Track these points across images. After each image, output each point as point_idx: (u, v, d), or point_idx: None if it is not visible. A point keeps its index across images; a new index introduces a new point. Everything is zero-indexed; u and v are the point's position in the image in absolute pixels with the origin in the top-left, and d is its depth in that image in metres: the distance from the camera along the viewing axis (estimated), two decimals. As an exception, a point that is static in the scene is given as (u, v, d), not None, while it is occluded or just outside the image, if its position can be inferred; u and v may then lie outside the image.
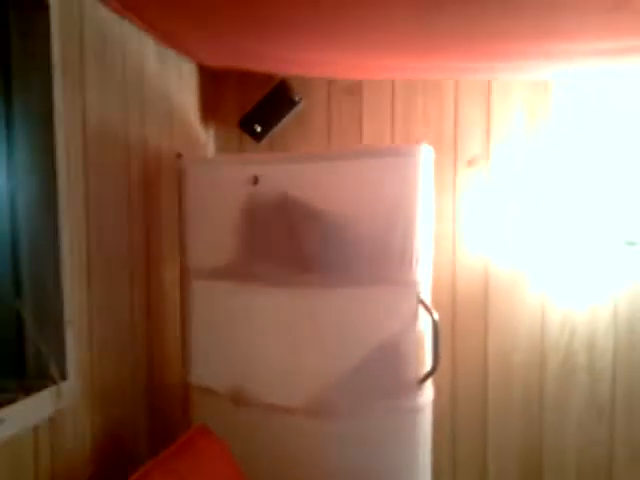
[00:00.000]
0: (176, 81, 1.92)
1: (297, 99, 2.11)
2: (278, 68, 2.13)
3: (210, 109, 2.17)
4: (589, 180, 2.10)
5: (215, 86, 2.17)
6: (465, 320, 2.17)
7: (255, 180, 1.56)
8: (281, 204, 1.56)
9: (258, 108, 2.10)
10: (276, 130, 2.13)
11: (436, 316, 1.57)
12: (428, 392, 1.62)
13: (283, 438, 1.59)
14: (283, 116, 2.12)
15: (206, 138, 2.18)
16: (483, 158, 2.13)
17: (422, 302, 1.56)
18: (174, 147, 1.87)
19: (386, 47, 1.83)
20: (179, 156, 1.73)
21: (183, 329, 1.77)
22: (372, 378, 1.54)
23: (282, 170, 1.57)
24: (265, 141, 2.14)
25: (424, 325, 1.59)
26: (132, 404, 1.61)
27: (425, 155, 1.56)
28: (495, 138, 2.13)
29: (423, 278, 1.59)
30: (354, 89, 2.15)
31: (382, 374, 1.54)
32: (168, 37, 1.77)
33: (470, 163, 2.14)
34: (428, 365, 1.57)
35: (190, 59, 2.01)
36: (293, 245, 1.55)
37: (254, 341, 1.61)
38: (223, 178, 1.64)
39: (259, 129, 2.09)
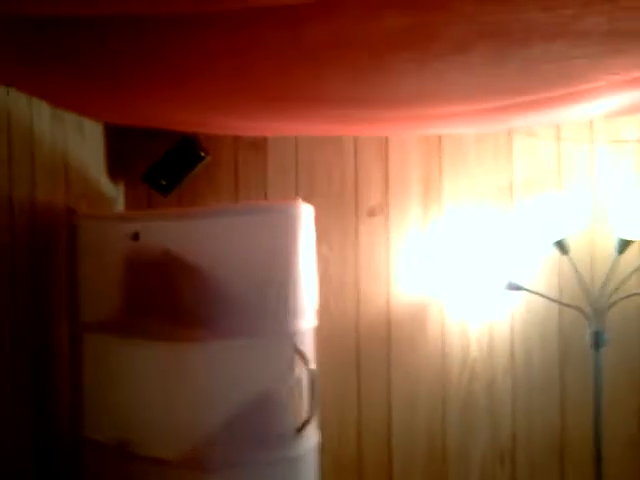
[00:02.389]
0: (77, 139, 1.99)
1: (203, 154, 2.19)
2: (185, 127, 2.21)
3: (118, 165, 2.24)
4: (479, 228, 2.21)
5: (122, 142, 2.25)
6: (369, 365, 2.23)
7: (135, 236, 1.61)
8: (162, 260, 1.61)
9: (163, 162, 2.17)
10: (184, 184, 2.20)
11: (312, 366, 1.62)
12: (309, 440, 1.66)
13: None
14: (189, 170, 2.19)
15: (115, 194, 2.24)
16: (382, 208, 2.23)
17: (299, 352, 1.61)
18: (73, 204, 1.92)
19: (290, 115, 1.93)
20: (71, 212, 1.79)
21: (78, 383, 1.80)
22: (248, 429, 1.57)
23: (163, 227, 1.63)
24: (174, 195, 2.21)
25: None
26: (17, 463, 1.62)
27: (301, 211, 1.64)
28: (393, 190, 2.23)
29: (303, 328, 1.65)
30: (259, 145, 2.24)
31: (258, 425, 1.58)
32: (65, 105, 1.84)
33: (370, 213, 2.23)
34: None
35: (94, 119, 2.09)
36: (172, 300, 1.60)
37: (137, 395, 1.64)
38: (108, 234, 1.69)
39: (164, 183, 2.16)
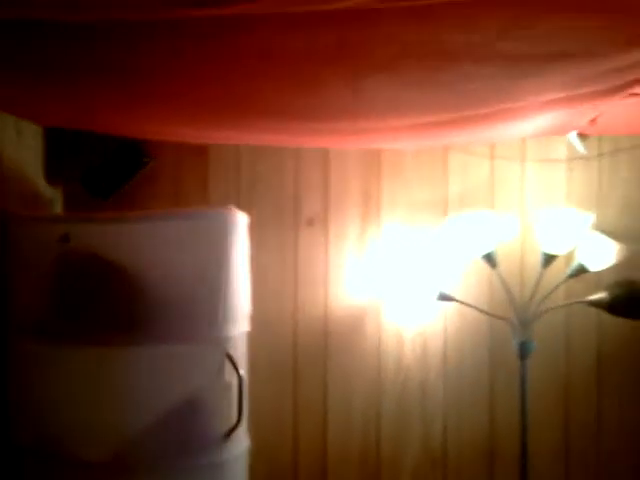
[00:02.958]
0: (13, 140, 1.96)
1: (145, 159, 2.19)
2: (128, 132, 2.21)
3: (57, 167, 2.22)
4: (415, 239, 2.28)
5: (62, 144, 2.23)
6: (306, 370, 2.26)
7: (65, 238, 1.60)
8: (92, 263, 1.61)
9: (104, 166, 2.17)
10: (125, 189, 2.20)
11: (242, 372, 1.64)
12: (237, 446, 1.67)
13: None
14: (131, 175, 2.19)
15: (53, 196, 2.21)
16: (321, 218, 2.27)
17: (229, 358, 1.63)
18: (8, 206, 1.89)
19: (231, 125, 1.95)
20: (1, 213, 1.77)
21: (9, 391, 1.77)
22: (175, 434, 1.58)
23: (95, 230, 1.63)
24: (114, 200, 2.20)
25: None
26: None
27: (235, 218, 1.66)
28: (332, 200, 2.27)
29: (234, 334, 1.67)
30: (201, 152, 2.26)
31: (185, 429, 1.59)
32: (2, 107, 1.82)
33: (309, 223, 2.27)
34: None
35: (32, 121, 2.07)
36: (102, 304, 1.60)
37: (64, 398, 1.63)
38: (39, 235, 1.68)
39: (104, 187, 2.15)
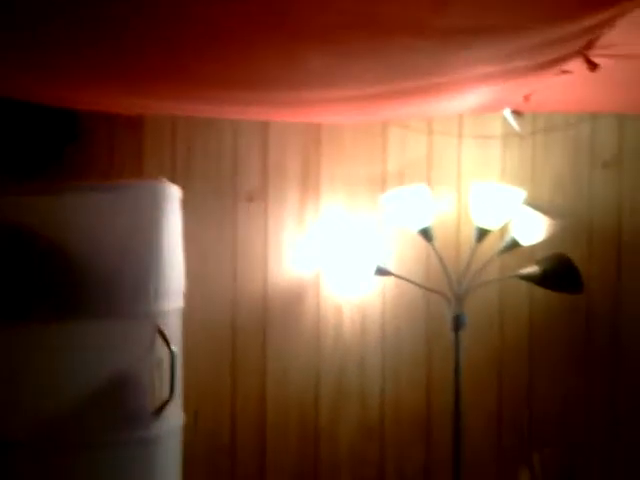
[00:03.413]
0: None
1: (77, 131, 2.11)
2: (59, 102, 2.12)
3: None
4: (354, 214, 2.28)
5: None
6: (245, 346, 2.25)
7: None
8: (16, 237, 1.55)
9: (33, 138, 2.08)
10: (59, 161, 2.11)
11: (174, 348, 1.62)
12: (170, 421, 1.65)
13: (25, 474, 1.56)
14: (63, 147, 2.11)
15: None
16: (260, 193, 2.24)
17: (161, 334, 1.60)
18: None
19: (167, 94, 1.89)
20: None
21: None
22: (104, 410, 1.56)
23: (18, 202, 1.56)
24: (48, 172, 2.11)
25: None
26: None
27: (165, 190, 1.62)
28: (271, 175, 2.25)
29: (166, 309, 1.64)
30: (136, 124, 2.19)
31: (115, 406, 1.57)
32: None
33: (248, 198, 2.24)
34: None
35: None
36: (28, 279, 1.55)
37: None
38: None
39: (33, 160, 2.07)
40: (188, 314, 2.08)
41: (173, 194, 1.65)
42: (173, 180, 2.17)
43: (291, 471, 2.29)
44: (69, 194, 1.57)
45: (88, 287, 1.55)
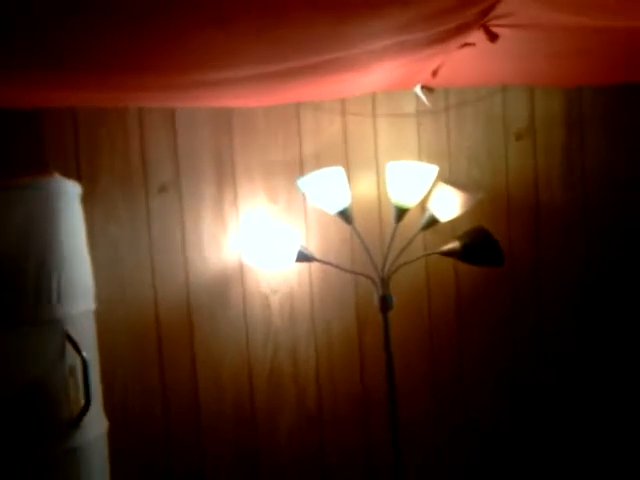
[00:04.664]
0: None
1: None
2: None
3: None
4: (273, 201, 2.24)
5: None
6: (171, 348, 2.17)
7: None
8: None
9: None
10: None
11: (85, 354, 1.53)
12: (91, 430, 1.57)
13: None
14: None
15: None
16: (173, 184, 2.16)
17: (70, 340, 1.52)
18: None
19: (64, 81, 1.77)
20: None
21: None
22: (16, 426, 1.46)
23: None
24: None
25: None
26: None
27: (60, 186, 1.53)
28: (183, 165, 2.17)
29: (73, 313, 1.55)
30: (31, 119, 2.05)
31: (27, 420, 1.47)
32: None
33: (161, 189, 2.15)
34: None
35: None
36: None
37: None
38: None
39: None
40: (108, 316, 2.01)
41: (69, 190, 1.55)
42: (78, 176, 2.09)
43: (231, 468, 2.24)
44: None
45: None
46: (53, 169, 2.02)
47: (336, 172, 2.08)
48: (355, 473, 2.38)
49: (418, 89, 2.17)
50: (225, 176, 2.20)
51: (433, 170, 2.08)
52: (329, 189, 2.06)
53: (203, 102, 2.11)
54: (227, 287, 2.22)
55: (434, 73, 2.04)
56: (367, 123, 2.31)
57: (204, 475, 2.22)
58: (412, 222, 2.19)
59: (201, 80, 1.80)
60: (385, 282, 2.14)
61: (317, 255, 2.19)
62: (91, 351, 1.64)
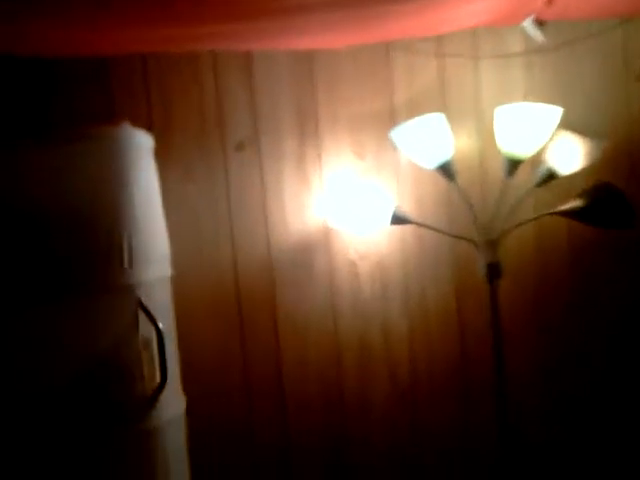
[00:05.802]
0: None
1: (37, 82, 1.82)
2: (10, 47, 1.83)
3: None
4: (360, 156, 1.99)
5: None
6: (253, 316, 1.98)
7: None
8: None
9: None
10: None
11: (161, 325, 1.36)
12: (166, 410, 1.41)
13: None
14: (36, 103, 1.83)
15: None
16: (252, 140, 1.95)
17: (143, 308, 1.35)
18: None
19: (132, 22, 1.60)
20: None
21: None
22: (88, 403, 1.31)
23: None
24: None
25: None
26: None
27: (130, 137, 1.35)
28: (262, 118, 1.95)
29: (148, 279, 1.38)
30: (100, 69, 1.89)
31: (99, 398, 1.31)
32: None
33: (238, 147, 1.95)
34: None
35: None
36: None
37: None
38: None
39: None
40: (184, 283, 1.84)
41: (142, 141, 1.37)
42: (151, 131, 1.91)
43: (318, 449, 2.05)
44: (10, 149, 1.29)
45: (48, 261, 1.29)
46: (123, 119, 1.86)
47: (436, 119, 1.81)
48: (452, 458, 2.14)
49: (528, 23, 1.86)
50: (307, 130, 1.97)
51: (556, 112, 1.77)
52: (427, 140, 1.80)
53: (282, 42, 1.88)
54: (311, 253, 2.01)
55: (549, 1, 1.74)
56: (467, 65, 2.02)
57: (289, 455, 2.04)
58: (520, 177, 1.90)
59: (281, 7, 1.56)
60: (493, 247, 1.87)
61: (410, 217, 1.94)
62: (167, 321, 1.47)
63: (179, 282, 1.68)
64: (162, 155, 1.79)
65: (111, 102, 1.87)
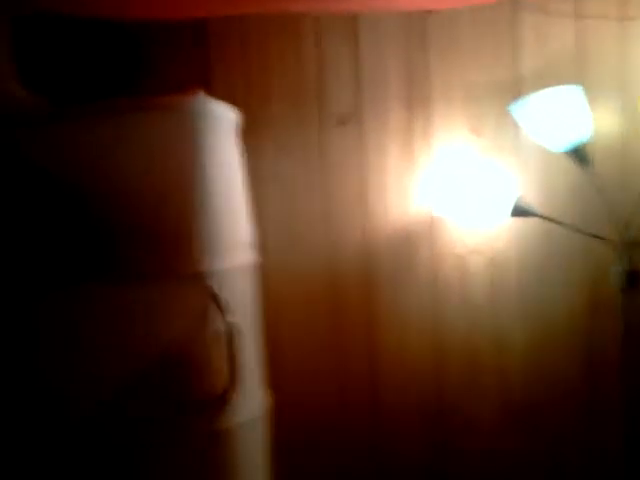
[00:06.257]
0: None
1: (136, 50, 1.73)
2: (113, 12, 1.74)
3: (32, 68, 1.78)
4: (478, 135, 1.73)
5: (37, 38, 1.79)
6: (348, 310, 1.79)
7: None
8: (31, 179, 1.19)
9: (87, 61, 1.73)
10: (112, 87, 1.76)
11: (232, 317, 1.20)
12: (243, 410, 1.26)
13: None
14: (120, 70, 1.75)
15: (35, 103, 1.80)
16: (354, 113, 1.75)
17: (215, 299, 1.20)
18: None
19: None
20: None
21: None
22: (156, 397, 1.18)
23: (31, 134, 1.19)
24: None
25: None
26: None
27: (211, 109, 1.19)
28: (367, 89, 1.75)
29: (224, 268, 1.23)
30: (198, 34, 1.76)
31: (161, 396, 1.18)
32: None
33: (340, 121, 1.76)
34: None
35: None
36: (48, 236, 1.19)
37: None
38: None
39: (88, 86, 1.73)
40: (274, 271, 1.70)
41: (222, 115, 1.21)
42: (246, 101, 1.77)
43: (414, 459, 1.84)
44: (80, 119, 1.17)
45: (114, 243, 1.16)
46: (220, 95, 1.73)
47: (571, 92, 1.52)
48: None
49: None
50: (417, 102, 1.74)
51: None
52: (558, 117, 1.52)
53: (392, 1, 1.65)
54: (413, 244, 1.78)
55: None
56: (613, 29, 1.70)
57: (382, 463, 1.84)
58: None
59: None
60: (633, 250, 1.56)
61: (534, 209, 1.66)
62: (246, 314, 1.32)
63: (267, 270, 1.54)
64: (256, 129, 1.65)
65: (206, 70, 1.74)
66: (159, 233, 1.15)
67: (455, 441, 1.83)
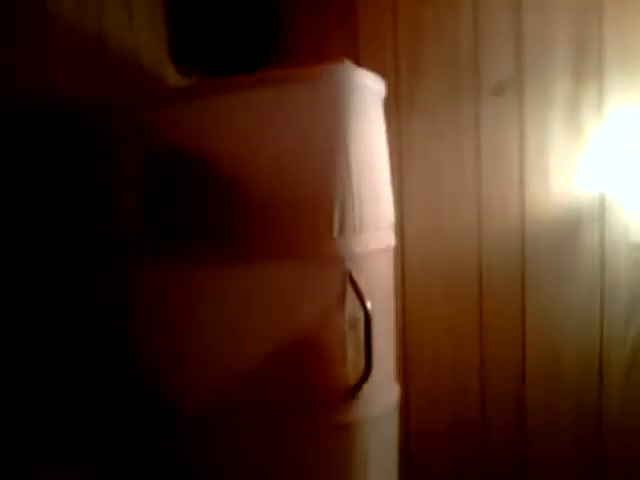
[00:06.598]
0: (123, 26, 1.59)
1: (280, 28, 1.71)
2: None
3: (184, 48, 1.82)
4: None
5: (187, 19, 1.82)
6: (496, 303, 1.66)
7: (140, 126, 1.21)
8: (171, 158, 1.20)
9: (233, 40, 1.73)
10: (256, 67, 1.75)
11: (369, 305, 1.13)
12: (372, 402, 1.20)
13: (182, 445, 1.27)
14: (263, 49, 1.73)
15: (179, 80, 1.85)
16: (514, 84, 1.59)
17: (353, 283, 1.14)
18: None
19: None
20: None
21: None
22: (282, 385, 1.15)
23: (170, 111, 1.20)
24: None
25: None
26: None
27: (356, 78, 1.11)
28: (529, 56, 1.57)
29: (362, 250, 1.16)
30: (348, 6, 1.69)
31: (296, 380, 1.15)
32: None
33: (496, 91, 1.61)
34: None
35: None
36: (184, 211, 1.20)
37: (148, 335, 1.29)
38: (114, 128, 1.32)
39: (233, 64, 1.73)
40: (416, 256, 1.61)
41: (368, 86, 1.13)
42: (396, 73, 1.67)
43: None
44: (222, 94, 1.15)
45: (251, 221, 1.14)
46: (368, 65, 1.65)
47: None
48: None
49: None
50: (587, 68, 1.54)
51: None
52: None
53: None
54: (578, 231, 1.60)
55: None
56: None
57: (525, 469, 1.71)
58: None
59: None
60: None
61: None
62: (383, 300, 1.25)
63: (408, 255, 1.45)
64: (403, 101, 1.55)
65: (354, 37, 1.67)
66: (294, 211, 1.11)
67: (615, 459, 1.63)
